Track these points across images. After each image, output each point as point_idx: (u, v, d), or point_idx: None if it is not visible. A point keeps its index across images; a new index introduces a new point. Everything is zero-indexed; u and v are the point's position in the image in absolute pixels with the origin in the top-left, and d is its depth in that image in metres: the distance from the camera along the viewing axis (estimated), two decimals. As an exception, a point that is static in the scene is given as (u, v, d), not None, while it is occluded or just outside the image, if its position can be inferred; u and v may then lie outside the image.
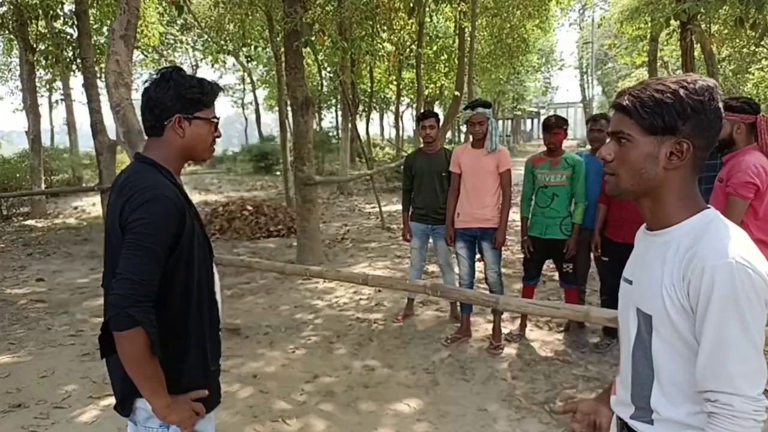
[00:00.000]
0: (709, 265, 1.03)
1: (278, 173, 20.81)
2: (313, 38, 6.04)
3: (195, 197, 14.32)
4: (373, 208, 11.92)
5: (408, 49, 15.01)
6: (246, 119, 35.09)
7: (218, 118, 1.58)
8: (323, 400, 3.45)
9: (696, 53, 16.28)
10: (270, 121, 52.02)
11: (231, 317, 4.96)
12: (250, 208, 9.42)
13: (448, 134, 20.40)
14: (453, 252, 4.67)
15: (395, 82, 19.28)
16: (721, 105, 1.10)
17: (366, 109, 23.51)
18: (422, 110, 14.40)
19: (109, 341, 1.40)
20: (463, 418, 3.21)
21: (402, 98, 23.31)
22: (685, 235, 1.12)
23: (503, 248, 4.38)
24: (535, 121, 52.36)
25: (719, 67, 13.87)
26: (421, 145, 4.77)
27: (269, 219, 9.19)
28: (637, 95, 1.12)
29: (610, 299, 4.12)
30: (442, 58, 11.91)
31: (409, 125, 40.06)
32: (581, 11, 38.97)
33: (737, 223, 3.04)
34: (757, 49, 14.99)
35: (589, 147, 4.40)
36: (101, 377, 3.78)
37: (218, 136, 1.61)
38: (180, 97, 1.49)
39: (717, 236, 1.07)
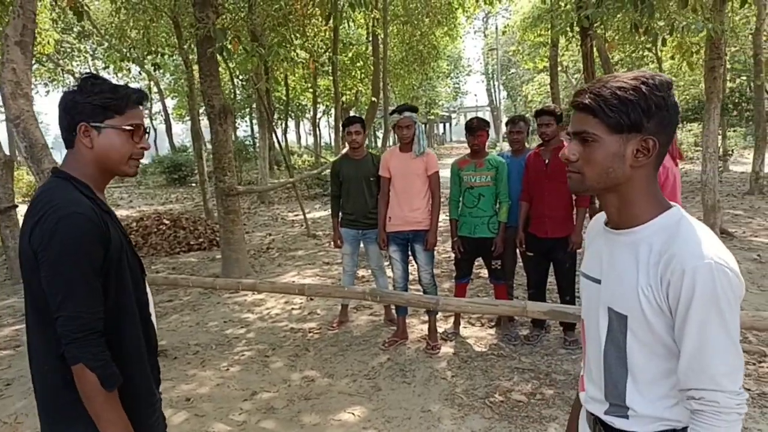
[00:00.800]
0: (689, 267, 1.03)
1: (194, 184, 20.06)
2: (228, 44, 5.85)
3: (103, 214, 13.43)
4: (296, 216, 11.77)
5: (324, 56, 14.97)
6: (155, 130, 33.54)
7: (137, 127, 1.41)
8: (264, 417, 3.33)
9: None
10: (180, 131, 50.15)
11: (156, 338, 4.71)
12: (167, 221, 8.98)
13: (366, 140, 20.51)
14: (385, 256, 4.69)
15: (311, 90, 19.14)
16: (677, 100, 1.12)
17: (282, 117, 23.21)
18: (340, 116, 14.42)
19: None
20: (408, 421, 3.22)
21: (318, 105, 23.18)
22: (655, 234, 1.12)
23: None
24: (447, 125, 53.93)
25: (612, 70, 14.86)
26: (343, 150, 4.76)
27: (189, 232, 8.81)
28: (598, 93, 1.10)
29: (536, 292, 4.31)
30: (358, 64, 11.98)
31: (325, 132, 39.97)
32: (485, 19, 40.70)
33: None
34: (645, 54, 16.29)
35: (508, 147, 4.56)
36: (13, 417, 3.44)
37: (144, 148, 1.45)
38: (87, 104, 1.36)
39: (691, 237, 1.08)
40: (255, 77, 12.88)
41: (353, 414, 3.32)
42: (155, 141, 33.07)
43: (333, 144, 16.85)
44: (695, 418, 1.08)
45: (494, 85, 40.60)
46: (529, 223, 4.18)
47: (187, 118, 31.14)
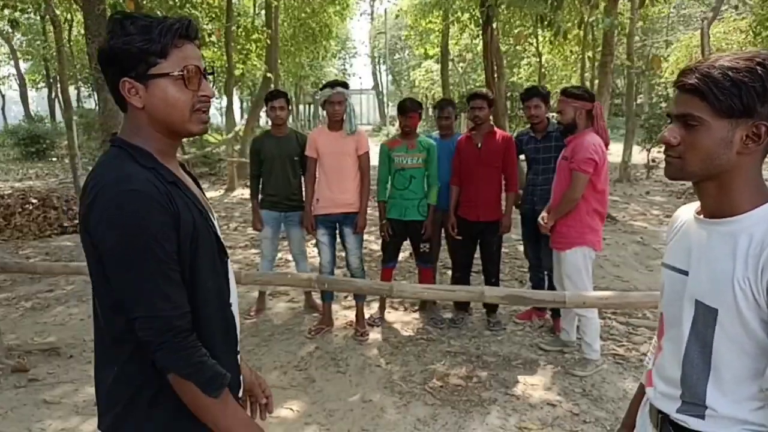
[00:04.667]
0: None
1: (55, 159, 17.97)
2: (122, 1, 5.19)
3: (-54, 190, 11.58)
4: (183, 196, 10.97)
5: (209, 25, 14.02)
6: (2, 96, 29.61)
7: (192, 69, 1.10)
8: (190, 418, 3.01)
9: (479, 49, 18.14)
10: (32, 99, 44.76)
11: (40, 334, 4.10)
12: (34, 200, 7.91)
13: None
14: (306, 239, 4.47)
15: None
16: None
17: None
18: (232, 92, 13.62)
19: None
20: (351, 413, 3.08)
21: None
22: (757, 224, 1.04)
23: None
24: (332, 106, 53.59)
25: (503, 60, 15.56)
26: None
27: (61, 213, 7.81)
28: (707, 74, 1.01)
29: (462, 275, 4.35)
30: (253, 37, 11.33)
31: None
32: (371, 2, 40.78)
33: (581, 195, 3.40)
34: (525, 48, 17.27)
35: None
36: None
37: (206, 96, 1.13)
38: (121, 54, 1.06)
39: None
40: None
41: (291, 409, 3.10)
42: (2, 109, 29.21)
43: (224, 122, 15.95)
44: None
45: (380, 69, 40.97)
46: (459, 206, 4.19)
47: (43, 84, 27.83)
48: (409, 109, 4.07)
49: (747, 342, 1.06)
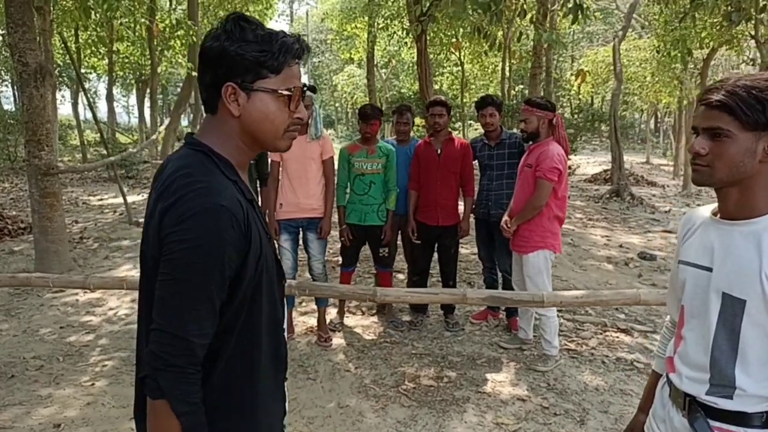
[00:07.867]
0: None
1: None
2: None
3: None
4: (102, 200, 10.36)
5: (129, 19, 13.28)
6: None
7: (297, 90, 1.09)
8: (162, 435, 2.85)
9: (405, 56, 18.51)
10: None
11: (-30, 354, 3.72)
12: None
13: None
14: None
15: (104, 56, 16.82)
16: None
17: (69, 85, 20.14)
18: (155, 90, 12.95)
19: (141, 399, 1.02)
20: (330, 419, 3.05)
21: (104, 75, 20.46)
22: None
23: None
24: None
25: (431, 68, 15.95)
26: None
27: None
28: (733, 92, 1.14)
29: (420, 279, 4.43)
30: (179, 33, 10.80)
31: (119, 108, 35.62)
32: (290, 3, 40.39)
33: (545, 201, 3.57)
34: (449, 57, 17.83)
35: (394, 137, 4.58)
36: None
37: (300, 119, 1.11)
38: (234, 58, 1.02)
39: None
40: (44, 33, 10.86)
41: (269, 419, 3.03)
42: None
43: (149, 122, 15.17)
44: None
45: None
46: (417, 211, 4.26)
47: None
48: (370, 115, 4.10)
49: None
